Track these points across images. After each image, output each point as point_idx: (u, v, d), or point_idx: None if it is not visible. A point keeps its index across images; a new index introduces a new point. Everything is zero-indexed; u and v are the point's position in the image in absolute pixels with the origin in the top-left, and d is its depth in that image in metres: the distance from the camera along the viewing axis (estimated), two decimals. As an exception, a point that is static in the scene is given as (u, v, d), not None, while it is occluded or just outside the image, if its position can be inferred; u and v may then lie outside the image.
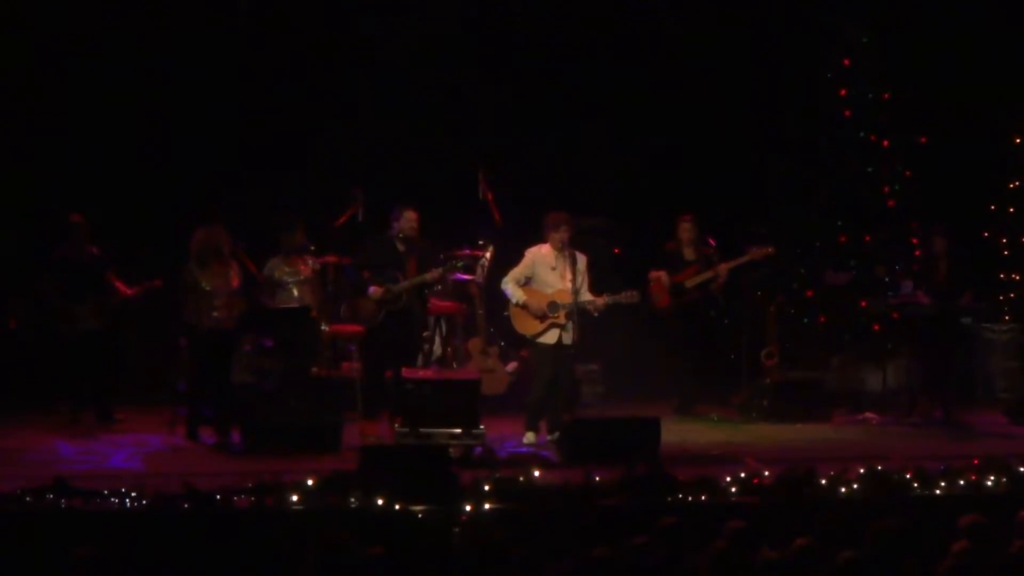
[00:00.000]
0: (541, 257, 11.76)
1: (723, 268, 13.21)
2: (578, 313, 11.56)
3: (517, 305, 11.71)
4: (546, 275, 11.70)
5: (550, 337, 11.64)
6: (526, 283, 11.74)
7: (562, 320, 11.58)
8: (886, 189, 15.03)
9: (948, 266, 13.09)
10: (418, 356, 12.72)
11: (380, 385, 12.01)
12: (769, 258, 13.53)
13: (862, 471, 9.25)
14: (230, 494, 8.58)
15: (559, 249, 11.69)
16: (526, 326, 11.72)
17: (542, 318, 11.63)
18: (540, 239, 11.83)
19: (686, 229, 13.35)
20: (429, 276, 12.03)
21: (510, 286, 11.75)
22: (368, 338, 12.26)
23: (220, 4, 14.59)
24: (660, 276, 13.30)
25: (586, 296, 11.70)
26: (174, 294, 11.90)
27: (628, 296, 11.80)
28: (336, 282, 13.06)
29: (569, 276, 11.61)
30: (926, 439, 12.04)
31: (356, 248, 12.44)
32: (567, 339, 11.64)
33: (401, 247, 11.98)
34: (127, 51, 14.34)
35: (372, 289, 11.81)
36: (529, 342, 11.86)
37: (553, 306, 11.60)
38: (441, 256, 12.71)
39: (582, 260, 11.73)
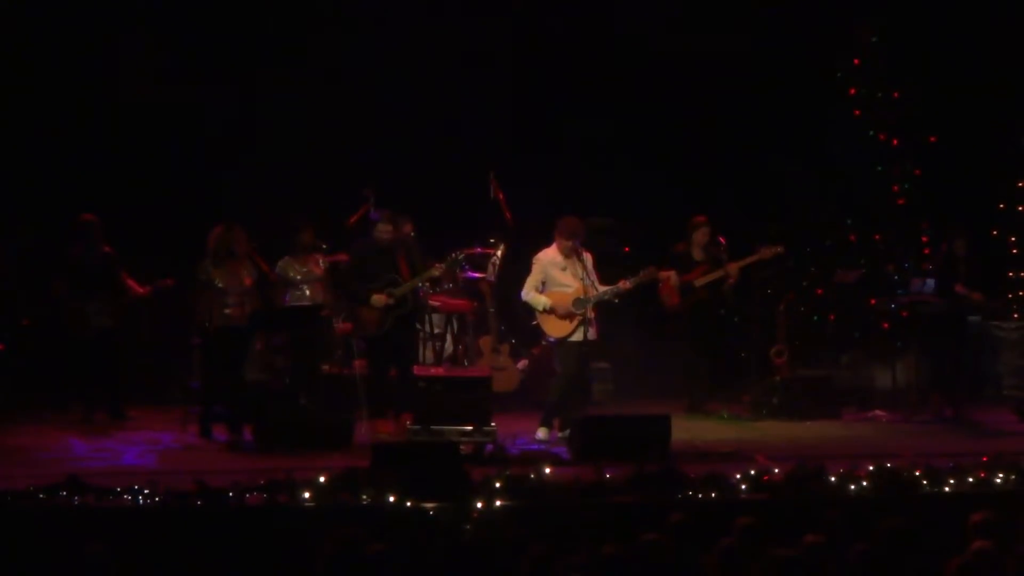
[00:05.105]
0: (549, 260, 11.79)
1: (733, 267, 13.18)
2: (598, 306, 11.62)
3: (544, 311, 11.74)
4: (558, 276, 11.72)
5: (579, 335, 11.65)
6: (541, 288, 11.78)
7: (591, 314, 11.61)
8: (896, 188, 15.07)
9: (968, 268, 13.13)
10: (419, 351, 12.72)
11: (384, 384, 12.02)
12: (779, 257, 13.55)
13: (871, 468, 9.26)
14: (242, 491, 8.58)
15: (569, 251, 11.73)
16: (558, 329, 11.72)
17: (571, 317, 11.65)
18: (550, 238, 11.85)
19: (701, 230, 13.35)
20: (436, 271, 12.07)
21: (532, 295, 11.77)
22: (373, 339, 12.25)
23: (229, 6, 14.65)
24: (670, 276, 13.29)
25: (603, 287, 11.74)
26: (186, 292, 11.96)
27: (647, 274, 11.87)
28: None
29: (581, 272, 11.66)
30: (935, 436, 12.06)
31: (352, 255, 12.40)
32: (591, 334, 11.68)
33: (385, 249, 11.96)
34: (138, 51, 14.39)
35: (375, 297, 11.78)
36: (557, 343, 11.81)
37: (579, 303, 11.61)
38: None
39: (588, 257, 11.79)
